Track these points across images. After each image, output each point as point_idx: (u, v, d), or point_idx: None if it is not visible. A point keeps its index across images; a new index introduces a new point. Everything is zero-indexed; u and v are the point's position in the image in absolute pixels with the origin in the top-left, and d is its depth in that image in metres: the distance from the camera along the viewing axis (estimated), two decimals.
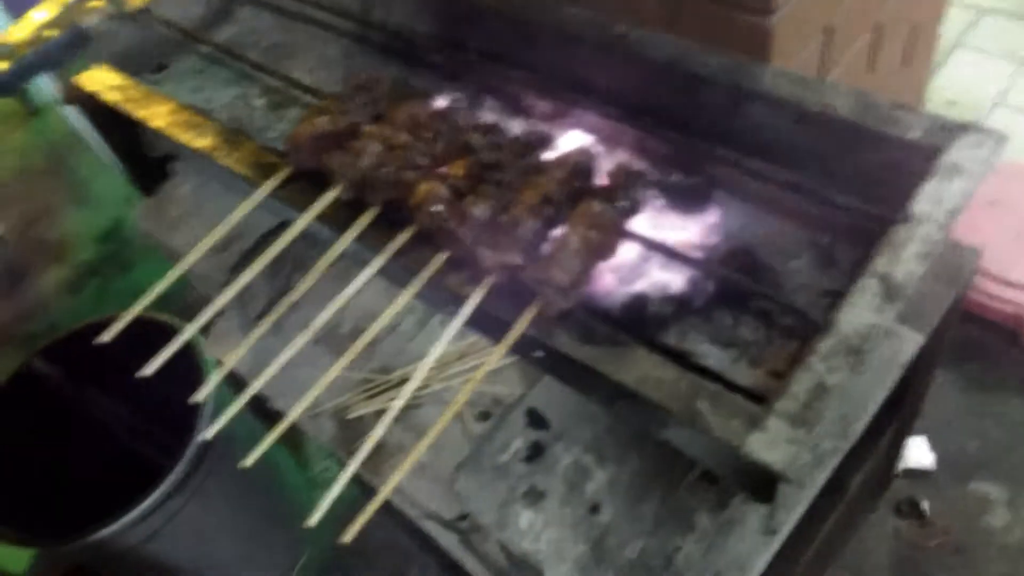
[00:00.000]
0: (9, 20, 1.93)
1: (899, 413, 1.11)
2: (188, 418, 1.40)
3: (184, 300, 1.79)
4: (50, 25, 1.03)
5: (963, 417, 1.69)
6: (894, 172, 0.73)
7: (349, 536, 0.63)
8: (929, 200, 0.68)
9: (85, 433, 1.71)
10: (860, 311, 0.62)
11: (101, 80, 0.99)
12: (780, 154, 0.78)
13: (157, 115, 0.93)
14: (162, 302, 0.86)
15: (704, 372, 0.67)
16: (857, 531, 1.53)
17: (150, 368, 0.74)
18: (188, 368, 1.42)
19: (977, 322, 1.77)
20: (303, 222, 0.81)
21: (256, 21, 1.18)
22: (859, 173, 0.76)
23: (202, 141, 0.90)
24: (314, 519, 0.64)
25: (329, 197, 0.80)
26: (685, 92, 0.82)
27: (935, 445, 1.64)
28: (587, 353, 0.68)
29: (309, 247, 1.16)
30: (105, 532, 1.33)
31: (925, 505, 1.58)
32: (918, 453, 1.62)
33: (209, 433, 0.71)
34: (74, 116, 1.98)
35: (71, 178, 2.65)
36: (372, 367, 1.25)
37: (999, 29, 2.45)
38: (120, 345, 0.82)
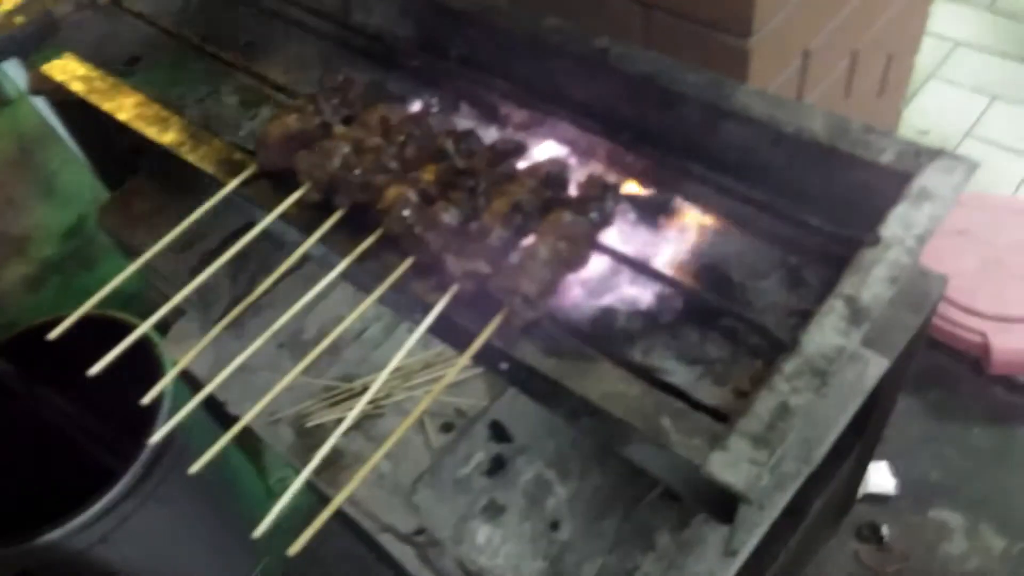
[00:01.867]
0: None
1: (862, 437, 1.11)
2: (147, 422, 1.37)
3: (147, 302, 1.75)
4: (19, 11, 1.00)
5: (925, 444, 1.70)
6: (865, 195, 0.73)
7: (296, 548, 0.61)
8: (899, 224, 0.68)
9: (39, 434, 1.67)
10: (826, 333, 0.62)
11: (67, 70, 0.97)
12: (753, 173, 0.78)
13: (123, 107, 0.91)
14: (125, 304, 0.83)
15: (669, 389, 0.66)
16: (817, 554, 1.53)
17: (98, 366, 0.72)
18: (148, 371, 1.39)
19: (942, 350, 1.79)
20: (266, 221, 0.79)
21: (232, 17, 1.16)
22: (831, 195, 0.76)
23: (167, 136, 0.88)
24: (261, 530, 0.62)
25: (295, 197, 0.78)
26: (662, 107, 0.82)
27: (897, 471, 1.65)
28: (552, 366, 0.67)
29: (275, 249, 1.14)
30: (52, 535, 1.30)
31: (885, 530, 1.58)
32: (880, 478, 1.63)
33: (157, 436, 0.69)
34: (44, 108, 1.94)
35: (38, 171, 2.60)
36: (335, 374, 1.23)
37: (973, 62, 2.50)
38: (79, 345, 0.79)
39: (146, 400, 0.70)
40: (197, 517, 1.64)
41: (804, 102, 1.36)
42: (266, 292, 0.79)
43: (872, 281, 0.64)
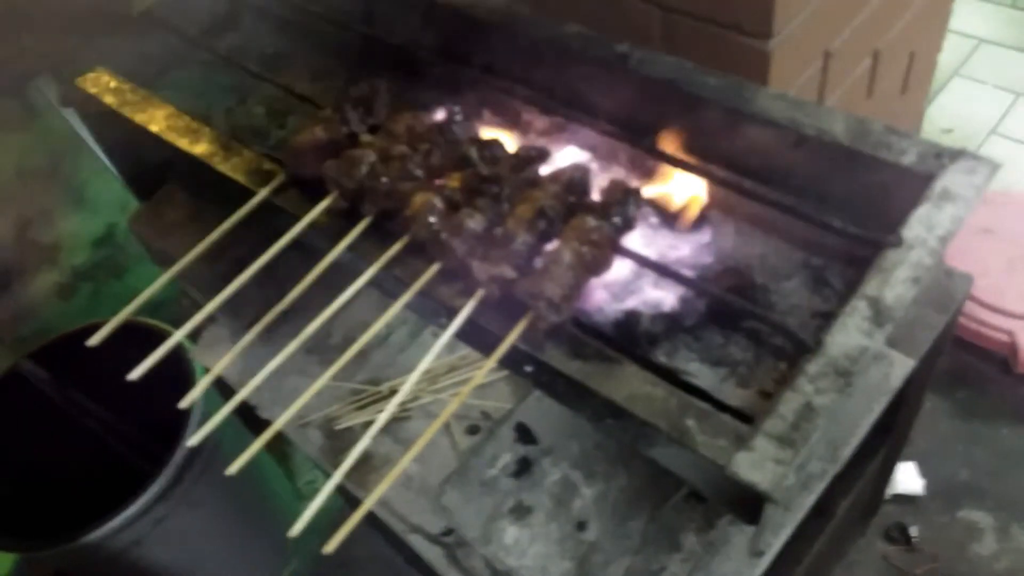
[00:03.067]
0: None
1: (889, 438, 1.11)
2: (177, 425, 1.40)
3: (178, 308, 1.78)
4: None
5: (953, 444, 1.69)
6: (888, 196, 0.74)
7: (331, 547, 0.62)
8: (921, 225, 0.68)
9: (73, 438, 1.70)
10: (849, 333, 0.62)
11: (99, 83, 1.00)
12: (775, 175, 0.78)
13: (154, 119, 0.93)
14: (156, 310, 0.86)
15: (693, 390, 0.66)
16: (846, 555, 1.52)
17: (137, 372, 0.74)
18: (178, 375, 1.42)
19: (969, 349, 1.78)
20: (296, 230, 0.81)
21: (258, 29, 1.18)
22: (853, 196, 0.76)
23: (199, 146, 0.90)
24: (296, 529, 0.64)
25: (323, 205, 0.80)
26: (684, 111, 0.82)
27: (925, 471, 1.64)
28: (577, 368, 0.68)
29: (303, 256, 1.16)
30: (90, 537, 1.33)
31: (914, 531, 1.57)
32: (907, 479, 1.62)
33: (194, 440, 0.71)
34: (74, 119, 1.98)
35: (68, 182, 2.64)
36: (362, 378, 1.25)
37: (997, 59, 2.48)
38: (111, 351, 0.81)
39: (184, 404, 0.72)
40: (228, 519, 1.67)
41: (825, 105, 1.36)
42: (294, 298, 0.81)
43: (895, 282, 0.65)
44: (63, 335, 1.62)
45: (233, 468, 0.67)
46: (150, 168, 1.22)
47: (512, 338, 0.69)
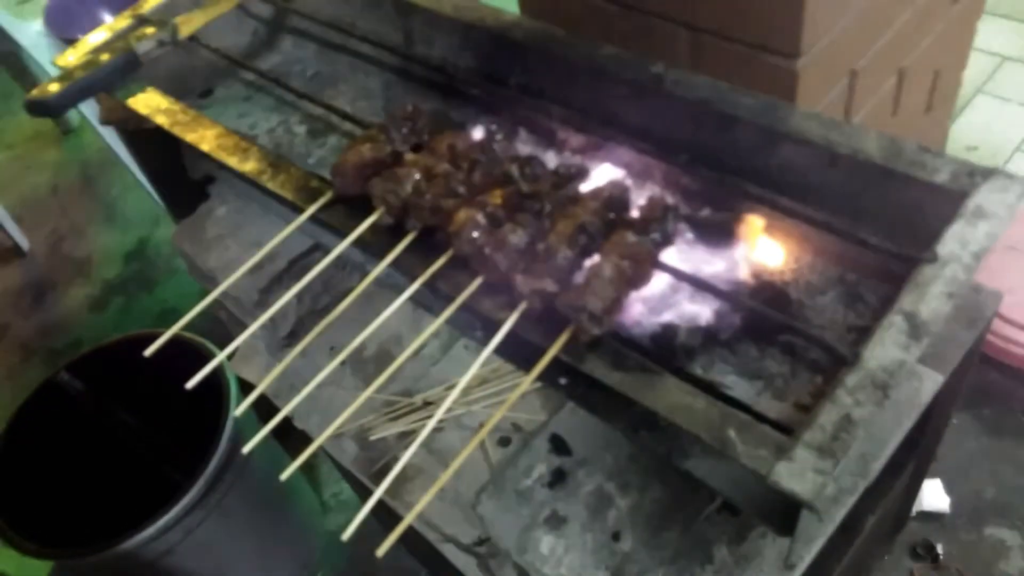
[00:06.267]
0: (53, 41, 2.00)
1: (916, 453, 1.11)
2: (207, 435, 1.43)
3: (210, 318, 1.81)
4: (104, 49, 1.07)
5: (979, 461, 1.69)
6: (920, 214, 0.75)
7: (383, 550, 0.64)
8: (955, 242, 0.69)
9: (106, 448, 1.74)
10: (887, 347, 0.64)
11: (151, 103, 1.03)
12: (809, 193, 0.80)
13: (205, 139, 0.96)
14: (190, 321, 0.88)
15: (732, 402, 0.68)
16: (872, 572, 1.52)
17: (192, 383, 0.76)
18: (211, 385, 1.45)
19: (996, 366, 1.78)
20: (344, 244, 0.83)
21: (299, 51, 1.22)
22: (886, 214, 0.78)
23: (248, 165, 0.93)
24: (349, 532, 0.66)
25: (370, 221, 0.82)
26: (718, 131, 0.85)
27: (951, 489, 1.64)
28: (618, 379, 0.70)
29: (338, 269, 1.18)
30: (123, 546, 1.35)
31: (940, 548, 1.57)
32: (933, 496, 1.62)
33: (248, 447, 0.73)
34: (108, 135, 2.02)
35: (101, 197, 2.71)
36: (395, 389, 1.27)
37: (1021, 77, 2.48)
38: (145, 362, 0.84)
39: (237, 413, 0.75)
40: (256, 529, 1.69)
41: (856, 123, 1.38)
42: (327, 310, 0.83)
43: (930, 297, 0.66)
44: (97, 347, 1.66)
45: (286, 474, 0.70)
46: (191, 185, 1.26)
47: (555, 350, 0.71)
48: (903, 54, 1.54)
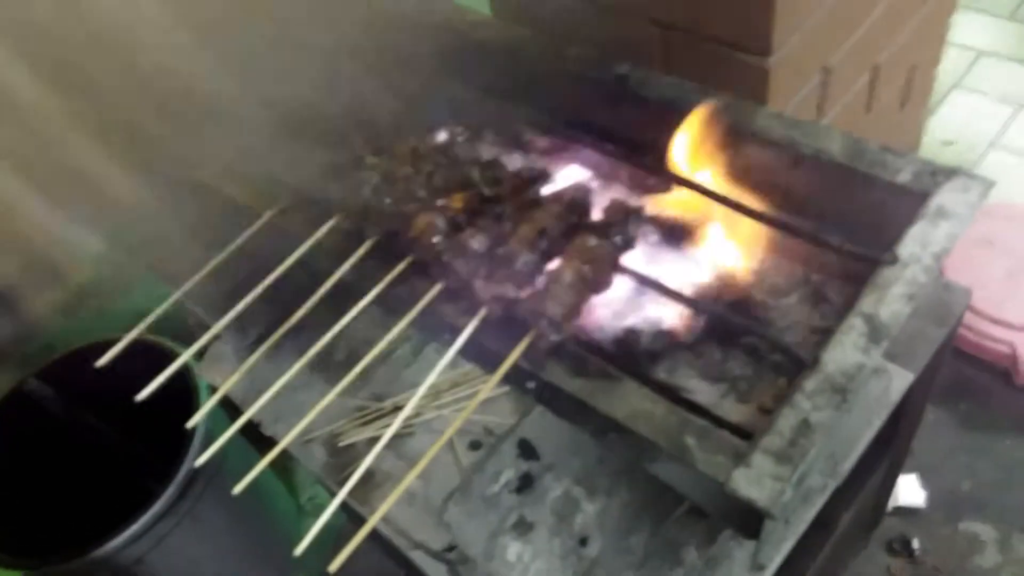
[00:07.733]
0: None
1: (890, 450, 1.11)
2: (180, 441, 1.41)
3: (181, 323, 1.79)
4: None
5: (955, 456, 1.69)
6: (884, 214, 0.75)
7: (335, 565, 0.63)
8: (916, 243, 0.69)
9: (78, 455, 1.71)
10: (846, 350, 0.63)
11: None
12: (773, 194, 0.79)
13: None
14: (160, 326, 0.87)
15: (693, 407, 0.67)
16: (848, 568, 1.53)
17: (144, 393, 0.75)
18: (182, 391, 1.43)
19: (970, 361, 1.78)
20: (301, 250, 0.82)
21: None
22: (850, 214, 0.77)
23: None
24: (301, 548, 0.64)
25: (326, 227, 0.81)
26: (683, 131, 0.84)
27: (926, 483, 1.64)
28: (578, 386, 0.69)
29: (307, 274, 1.17)
30: (93, 555, 1.33)
31: (916, 543, 1.58)
32: (909, 491, 1.62)
33: (201, 460, 0.72)
34: None
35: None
36: (366, 394, 1.25)
37: (997, 71, 2.49)
38: (116, 368, 0.82)
39: (190, 424, 0.73)
40: (231, 535, 1.67)
41: (824, 120, 1.38)
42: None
43: (890, 299, 0.66)
44: (67, 353, 1.63)
45: (238, 488, 0.68)
46: None
47: (514, 357, 0.70)
48: (877, 50, 1.53)
